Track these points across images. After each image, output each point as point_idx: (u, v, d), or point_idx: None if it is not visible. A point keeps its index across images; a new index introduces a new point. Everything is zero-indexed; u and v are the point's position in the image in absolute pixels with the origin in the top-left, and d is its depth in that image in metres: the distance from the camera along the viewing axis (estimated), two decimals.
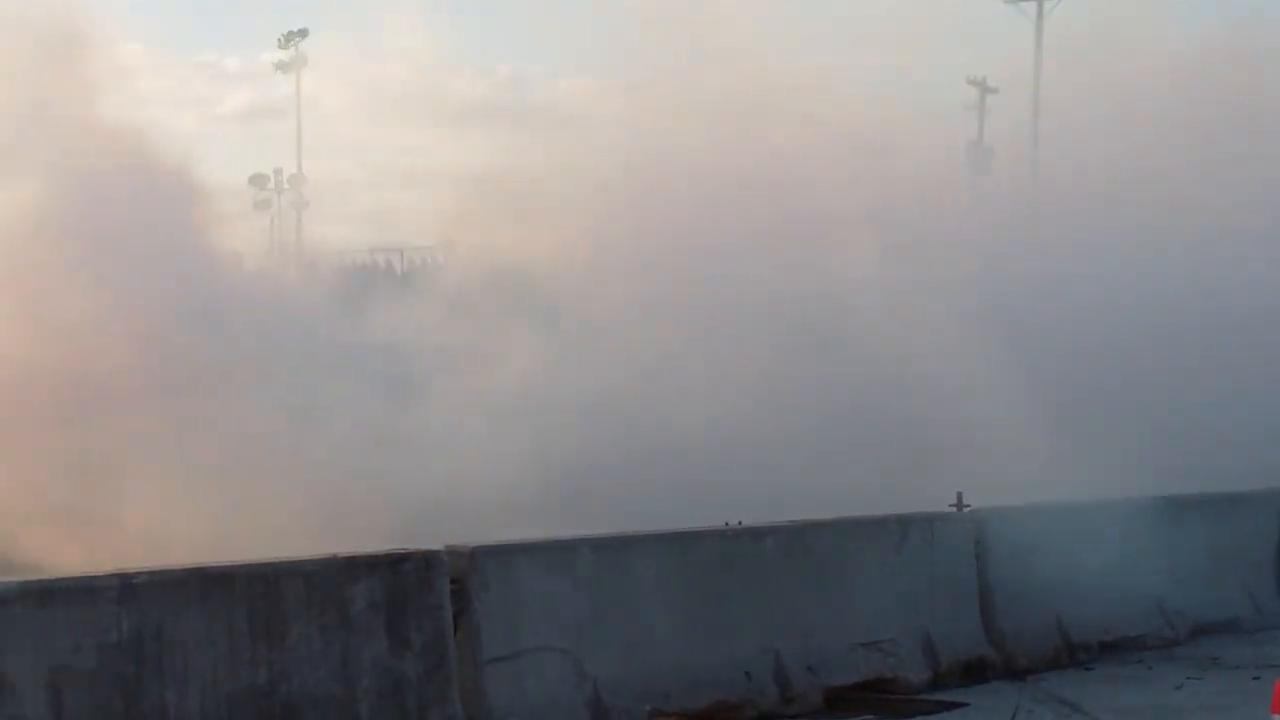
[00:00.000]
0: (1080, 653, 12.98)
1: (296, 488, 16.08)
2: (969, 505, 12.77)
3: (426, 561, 9.56)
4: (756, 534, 11.50)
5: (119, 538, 15.15)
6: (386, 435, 16.96)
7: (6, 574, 10.44)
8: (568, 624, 10.11)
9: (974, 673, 12.28)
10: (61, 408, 16.89)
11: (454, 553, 9.74)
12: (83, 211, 17.87)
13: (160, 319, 17.44)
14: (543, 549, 10.41)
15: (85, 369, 17.10)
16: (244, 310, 18.59)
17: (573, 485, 15.76)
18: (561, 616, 10.11)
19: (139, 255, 17.83)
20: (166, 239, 18.51)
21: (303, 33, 56.22)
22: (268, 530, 14.50)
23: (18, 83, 18.79)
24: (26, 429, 16.79)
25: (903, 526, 12.26)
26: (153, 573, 8.52)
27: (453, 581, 9.67)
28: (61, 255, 17.63)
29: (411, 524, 14.15)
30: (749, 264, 18.26)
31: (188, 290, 18.07)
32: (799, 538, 11.67)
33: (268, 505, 15.74)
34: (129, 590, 8.37)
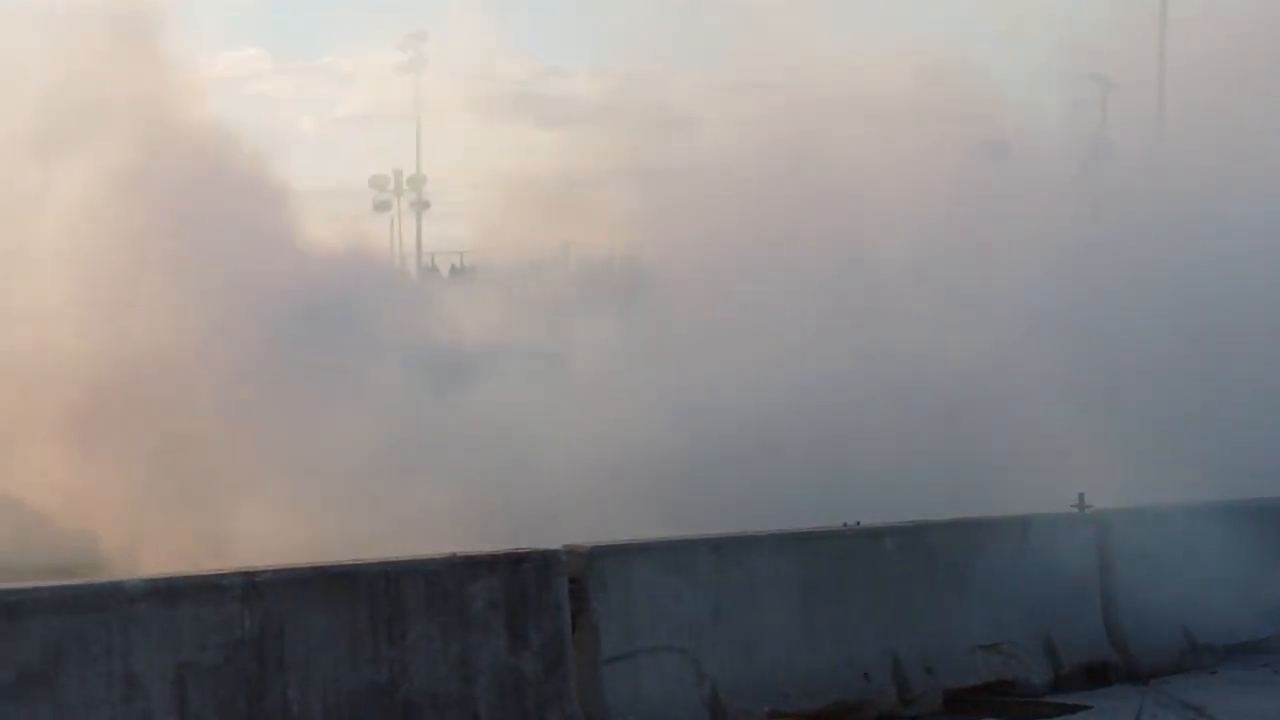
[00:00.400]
0: (1204, 656, 12.78)
1: (408, 488, 16.20)
2: (1090, 506, 12.63)
3: (545, 561, 9.60)
4: (875, 534, 11.44)
5: (239, 540, 15.35)
6: (492, 435, 17.05)
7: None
8: (686, 624, 10.12)
9: (1096, 675, 12.14)
10: (167, 408, 17.13)
11: (572, 552, 9.78)
12: (175, 212, 18.15)
13: (261, 320, 17.65)
14: (661, 549, 10.42)
15: (177, 367, 17.36)
16: (343, 309, 18.78)
17: (660, 482, 15.77)
18: (679, 616, 10.11)
19: (229, 255, 18.08)
20: (259, 239, 18.76)
21: (421, 35, 56.61)
22: (378, 530, 14.63)
23: (110, 82, 19.08)
24: (131, 430, 17.05)
25: (1023, 527, 12.14)
26: (276, 571, 8.63)
27: (571, 581, 9.71)
28: (157, 255, 17.90)
29: (514, 523, 14.22)
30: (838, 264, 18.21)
31: (285, 290, 18.30)
32: (918, 538, 11.60)
33: (378, 505, 15.88)
34: (252, 588, 8.49)
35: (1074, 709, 11.39)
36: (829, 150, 19.30)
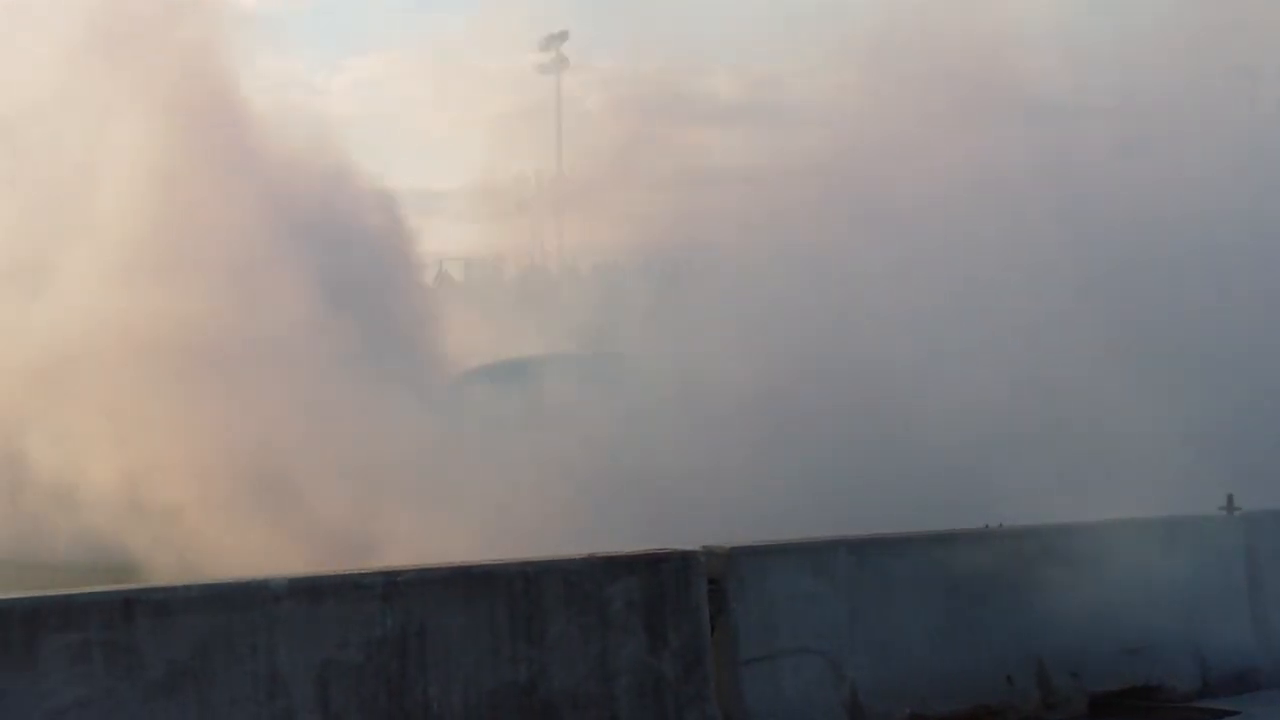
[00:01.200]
0: None
1: (538, 487, 16.29)
2: (1239, 508, 12.40)
3: (684, 561, 9.61)
4: (1015, 535, 11.33)
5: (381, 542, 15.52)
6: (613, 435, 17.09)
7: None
8: (825, 625, 10.08)
9: (1245, 681, 11.91)
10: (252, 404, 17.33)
11: (711, 553, 9.78)
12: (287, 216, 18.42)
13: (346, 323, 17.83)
14: (799, 549, 10.39)
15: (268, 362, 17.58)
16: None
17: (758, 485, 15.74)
18: (818, 618, 10.08)
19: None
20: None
21: (563, 35, 56.83)
22: (513, 530, 14.73)
23: (212, 80, 19.36)
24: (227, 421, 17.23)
25: (1170, 529, 11.94)
26: (417, 570, 8.72)
27: (710, 582, 9.71)
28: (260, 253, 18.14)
29: (645, 523, 14.24)
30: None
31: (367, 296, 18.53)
32: (1060, 539, 11.45)
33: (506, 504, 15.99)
34: (393, 587, 8.58)
35: (1222, 715, 11.19)
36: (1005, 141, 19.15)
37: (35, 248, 18.62)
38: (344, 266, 18.69)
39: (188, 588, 8.22)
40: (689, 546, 9.75)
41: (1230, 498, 12.41)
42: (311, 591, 8.40)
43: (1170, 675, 11.56)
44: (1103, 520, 11.93)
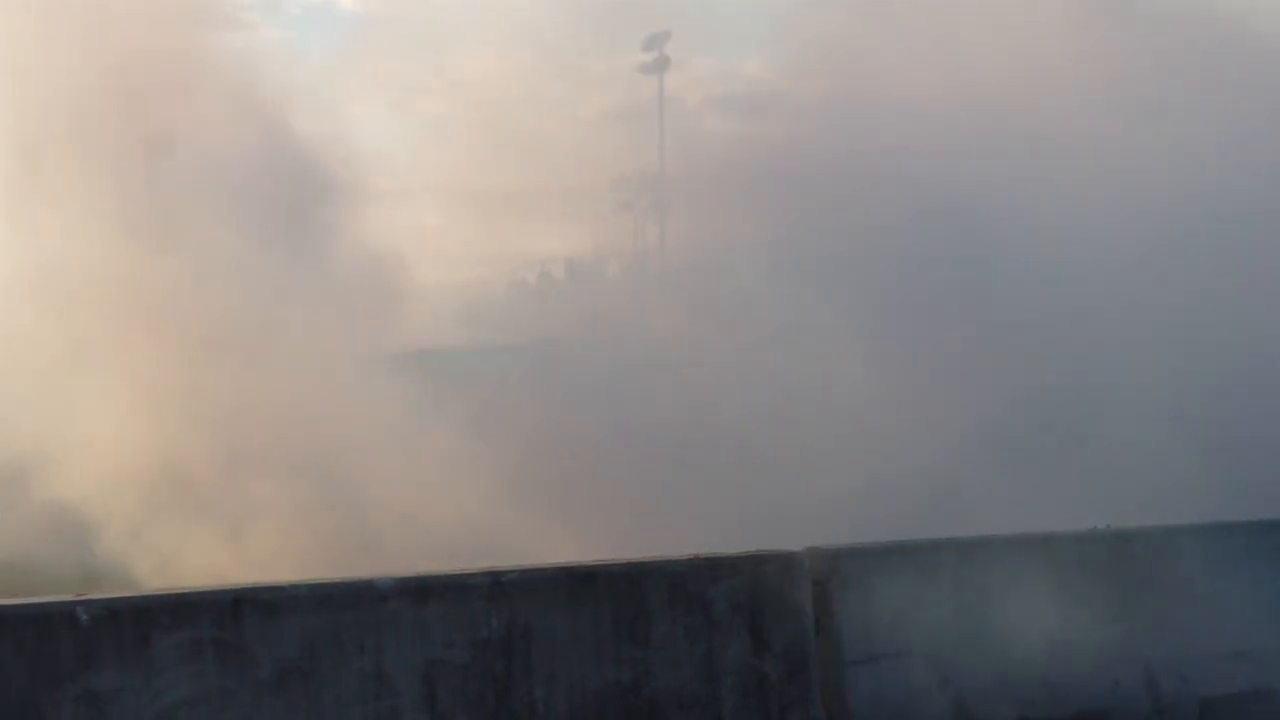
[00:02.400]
0: None
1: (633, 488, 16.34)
2: None
3: (788, 563, 9.60)
4: (1124, 537, 11.20)
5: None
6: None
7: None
8: (930, 628, 10.02)
9: None
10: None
11: (814, 554, 9.76)
12: None
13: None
14: (904, 551, 10.34)
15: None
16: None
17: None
18: (923, 620, 10.02)
19: None
20: None
21: (665, 34, 56.82)
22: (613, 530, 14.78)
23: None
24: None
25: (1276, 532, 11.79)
26: (522, 571, 8.77)
27: (814, 583, 9.70)
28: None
29: (738, 523, 14.24)
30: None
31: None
32: (1169, 541, 11.32)
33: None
34: (499, 588, 8.64)
35: None
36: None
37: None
38: None
39: (295, 587, 8.32)
40: (792, 547, 9.74)
41: None
42: (418, 591, 8.47)
43: None
44: (1214, 522, 11.79)
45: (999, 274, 17.88)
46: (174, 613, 7.94)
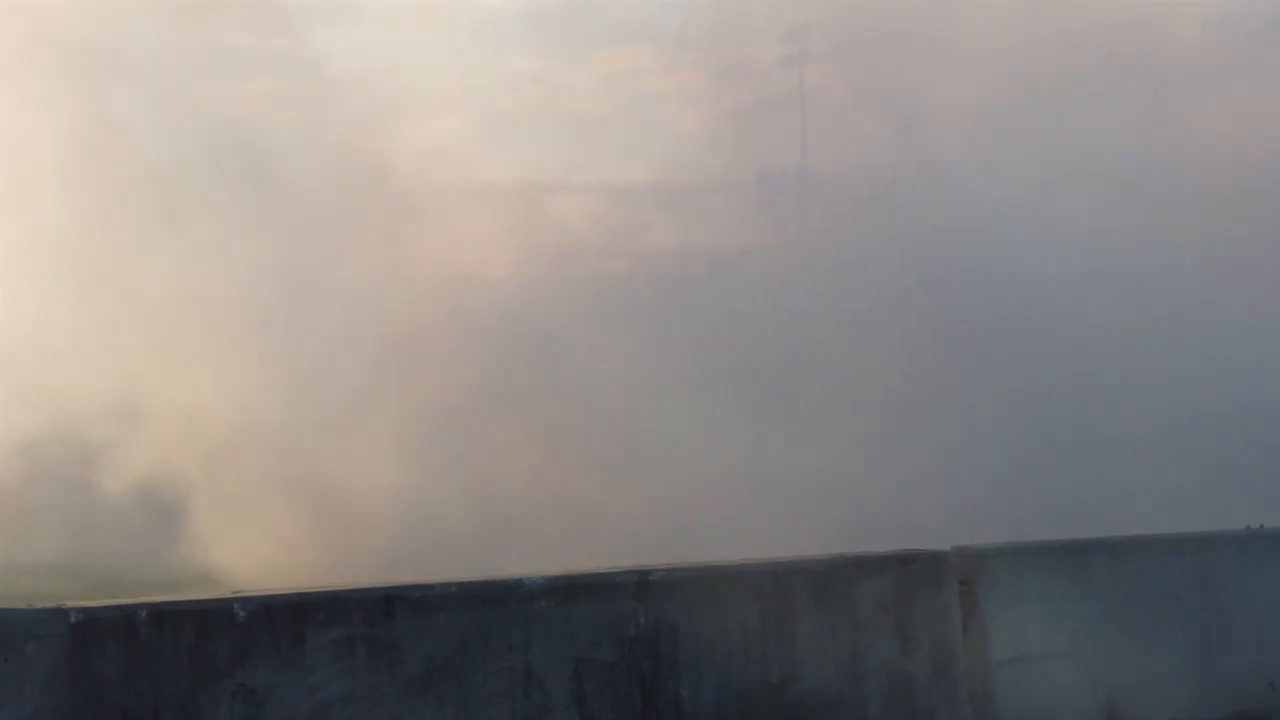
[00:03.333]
0: None
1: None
2: None
3: (934, 562, 9.56)
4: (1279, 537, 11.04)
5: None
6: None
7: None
8: (1079, 628, 9.93)
9: None
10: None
11: (961, 553, 9.71)
12: None
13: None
14: (1052, 550, 10.25)
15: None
16: None
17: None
18: (1072, 620, 9.93)
19: None
20: None
21: (806, 27, 56.56)
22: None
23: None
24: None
25: None
26: (668, 570, 8.81)
27: (960, 583, 9.65)
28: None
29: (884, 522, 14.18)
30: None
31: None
32: None
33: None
34: (645, 586, 8.69)
35: None
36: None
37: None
38: None
39: (446, 585, 8.42)
40: (939, 547, 9.70)
41: None
42: (566, 590, 8.54)
43: None
44: None
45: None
46: (327, 610, 8.07)
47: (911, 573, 9.46)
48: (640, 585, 8.66)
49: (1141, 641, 10.12)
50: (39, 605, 7.41)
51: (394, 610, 8.20)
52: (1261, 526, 11.17)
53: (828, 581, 9.19)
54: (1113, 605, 10.11)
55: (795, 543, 11.50)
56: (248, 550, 16.74)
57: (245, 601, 7.89)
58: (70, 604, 7.53)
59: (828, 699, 9.09)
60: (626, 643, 8.59)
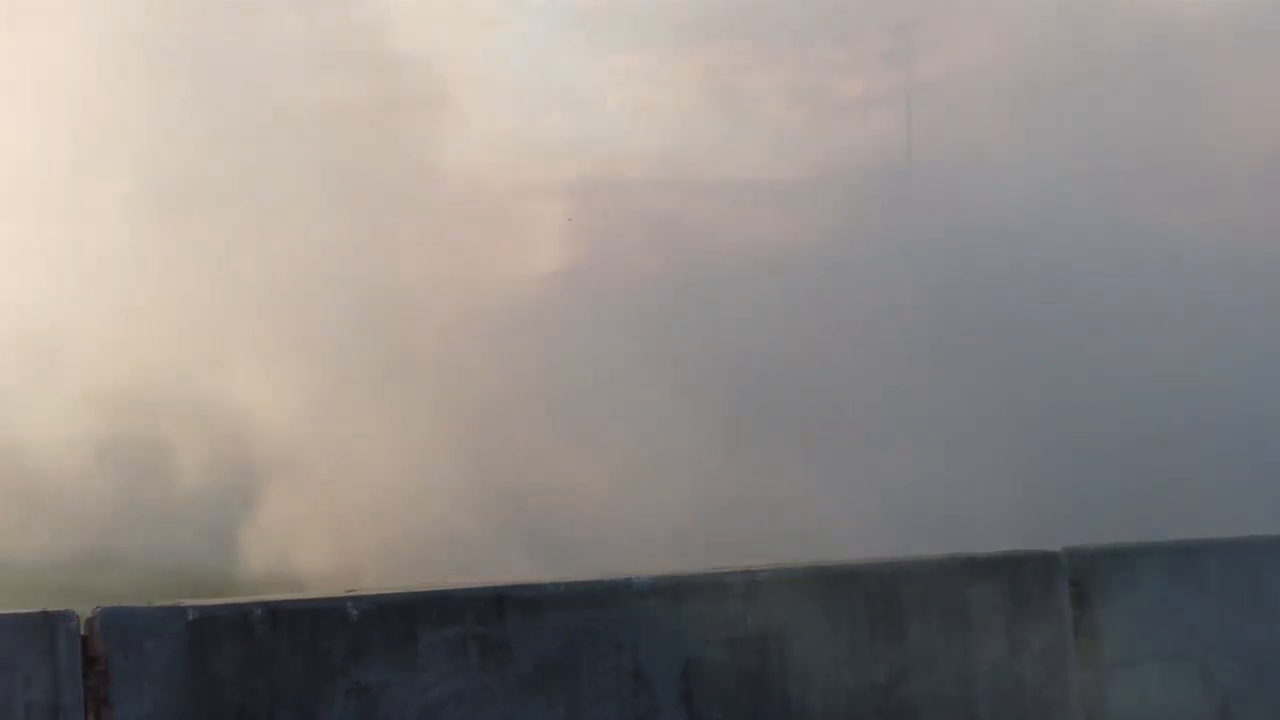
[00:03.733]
0: None
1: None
2: None
3: (1045, 563, 9.49)
4: None
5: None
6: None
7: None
8: (1193, 630, 9.82)
9: None
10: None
11: (1072, 554, 9.64)
12: None
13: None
14: (1165, 551, 10.14)
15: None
16: None
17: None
18: (1186, 622, 9.82)
19: None
20: None
21: (911, 22, 56.23)
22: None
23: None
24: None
25: None
26: (777, 570, 8.82)
27: (1072, 584, 9.58)
28: None
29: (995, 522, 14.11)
30: None
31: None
32: None
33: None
34: (754, 587, 8.70)
35: None
36: None
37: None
38: None
39: (556, 585, 8.47)
40: (1050, 548, 9.63)
41: None
42: (674, 590, 8.57)
43: None
44: None
45: None
46: (439, 609, 8.14)
47: (1022, 574, 9.40)
48: (749, 585, 8.67)
49: (1258, 644, 10.00)
50: (158, 604, 7.52)
51: (505, 609, 8.25)
52: None
53: (938, 582, 9.15)
54: (1226, 607, 9.99)
55: (855, 548, 11.49)
56: (311, 547, 16.92)
57: (358, 600, 7.97)
58: (187, 602, 7.64)
59: (937, 700, 9.05)
60: (735, 643, 8.60)
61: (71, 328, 19.26)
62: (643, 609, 8.46)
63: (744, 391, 18.38)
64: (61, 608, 7.29)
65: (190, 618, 7.59)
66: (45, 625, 7.18)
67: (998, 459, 16.27)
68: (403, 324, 18.69)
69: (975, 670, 9.17)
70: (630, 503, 16.72)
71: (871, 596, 8.97)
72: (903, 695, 8.98)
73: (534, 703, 8.24)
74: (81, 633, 7.31)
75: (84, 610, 7.38)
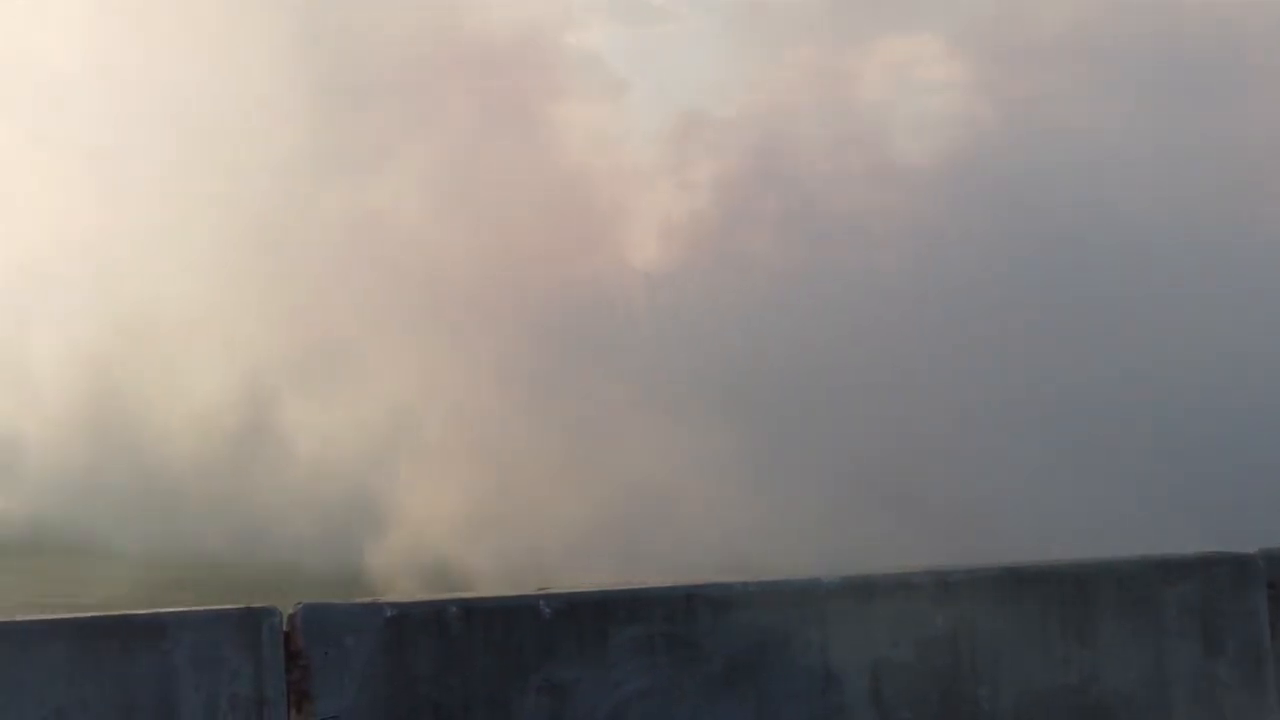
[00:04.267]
0: None
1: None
2: None
3: (1241, 565, 9.34)
4: None
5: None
6: None
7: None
8: None
9: None
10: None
11: (1268, 556, 9.47)
12: None
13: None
14: None
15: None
16: None
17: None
18: None
19: None
20: None
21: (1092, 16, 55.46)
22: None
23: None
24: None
25: None
26: (967, 571, 8.78)
27: (1269, 585, 9.41)
28: None
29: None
30: None
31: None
32: None
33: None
34: (943, 588, 8.66)
35: None
36: None
37: None
38: None
39: (745, 585, 8.51)
40: (1245, 550, 9.48)
41: None
42: (864, 590, 8.57)
43: None
44: None
45: None
46: (629, 607, 8.21)
47: (1216, 576, 9.26)
48: (939, 586, 8.64)
49: None
50: (356, 600, 7.69)
51: (694, 608, 8.31)
52: None
53: (1131, 584, 9.05)
54: None
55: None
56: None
57: (551, 599, 8.07)
58: (385, 599, 7.80)
59: (1131, 702, 8.95)
60: (925, 643, 8.57)
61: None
62: (831, 609, 8.47)
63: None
64: (264, 604, 7.47)
65: (388, 614, 7.75)
66: (250, 621, 7.37)
67: (1191, 464, 16.07)
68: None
69: (1169, 672, 9.05)
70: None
71: (1063, 597, 8.89)
72: (1096, 697, 8.89)
73: (723, 701, 8.29)
74: (284, 629, 7.49)
75: (285, 607, 7.55)
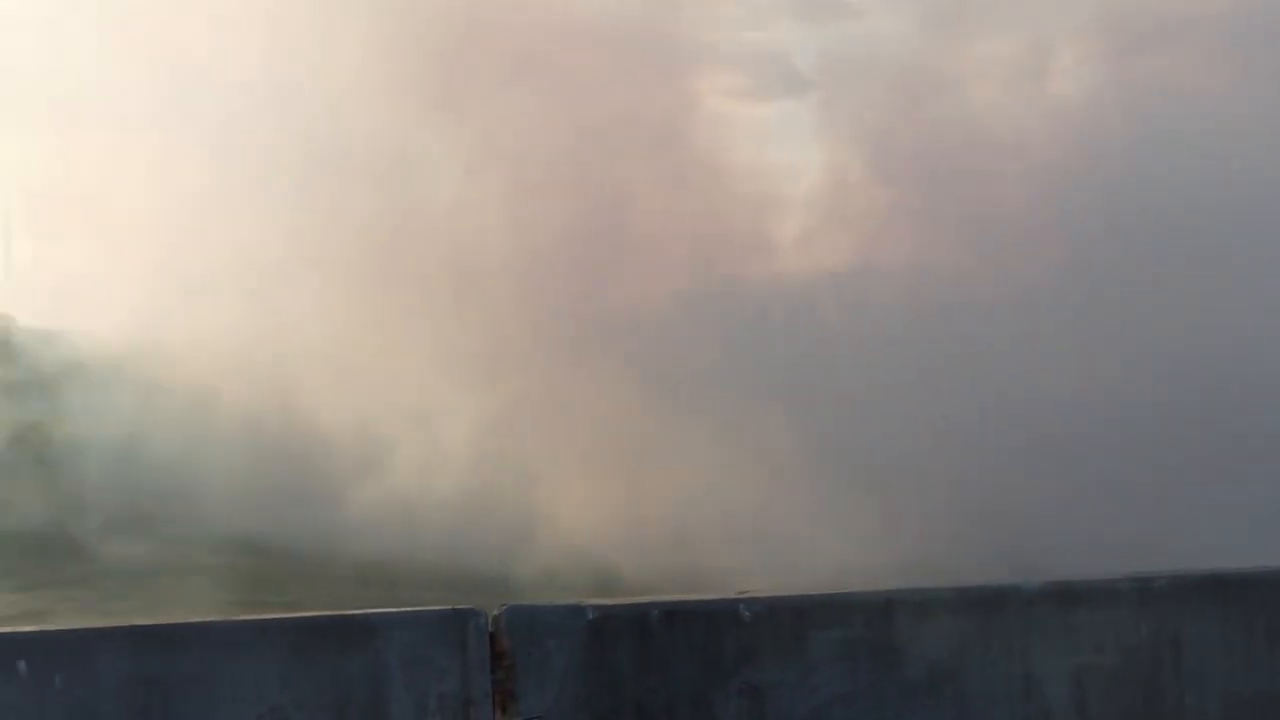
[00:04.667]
0: None
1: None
2: None
3: None
4: None
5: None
6: None
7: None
8: None
9: None
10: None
11: None
12: None
13: None
14: None
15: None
16: None
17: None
18: None
19: None
20: None
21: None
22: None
23: None
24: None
25: None
26: (1172, 577, 8.65)
27: None
28: None
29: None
30: None
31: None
32: None
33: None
34: (1146, 594, 8.54)
35: None
36: None
37: None
38: None
39: (942, 590, 8.44)
40: None
41: None
42: (1065, 596, 8.46)
43: None
44: None
45: None
46: (828, 612, 8.18)
47: None
48: (1142, 592, 8.51)
49: None
50: (559, 602, 7.73)
51: (893, 613, 8.25)
52: None
53: None
54: None
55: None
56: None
57: (750, 603, 8.05)
58: (587, 601, 7.82)
59: None
60: (1128, 650, 8.45)
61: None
62: (1033, 615, 8.38)
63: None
64: (470, 605, 7.53)
65: (590, 617, 7.77)
66: (457, 622, 7.43)
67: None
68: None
69: None
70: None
71: (1270, 605, 8.72)
72: None
73: (923, 706, 8.22)
74: (489, 629, 7.54)
75: (489, 608, 7.61)
